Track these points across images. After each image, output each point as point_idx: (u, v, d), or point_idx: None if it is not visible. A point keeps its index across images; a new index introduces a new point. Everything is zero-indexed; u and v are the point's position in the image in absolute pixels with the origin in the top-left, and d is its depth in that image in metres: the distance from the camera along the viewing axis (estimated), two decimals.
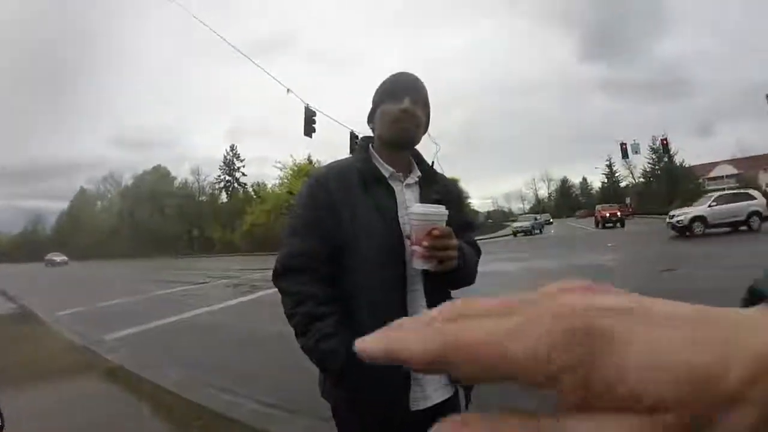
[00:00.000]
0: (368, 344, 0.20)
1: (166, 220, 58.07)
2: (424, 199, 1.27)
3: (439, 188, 1.33)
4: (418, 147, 1.36)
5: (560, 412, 0.17)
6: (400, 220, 1.20)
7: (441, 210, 1.10)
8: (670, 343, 0.16)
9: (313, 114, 14.81)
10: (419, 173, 1.33)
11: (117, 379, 4.42)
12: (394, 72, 1.34)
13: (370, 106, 1.36)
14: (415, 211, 1.10)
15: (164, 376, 4.40)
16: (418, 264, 1.10)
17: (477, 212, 55.56)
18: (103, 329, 6.98)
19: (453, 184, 1.45)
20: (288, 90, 14.71)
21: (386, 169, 1.28)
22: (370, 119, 1.36)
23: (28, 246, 65.82)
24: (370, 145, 1.34)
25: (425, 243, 1.07)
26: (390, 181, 1.27)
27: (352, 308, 1.18)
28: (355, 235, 1.18)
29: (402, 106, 1.24)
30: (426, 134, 1.36)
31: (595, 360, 0.16)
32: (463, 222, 1.36)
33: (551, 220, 44.93)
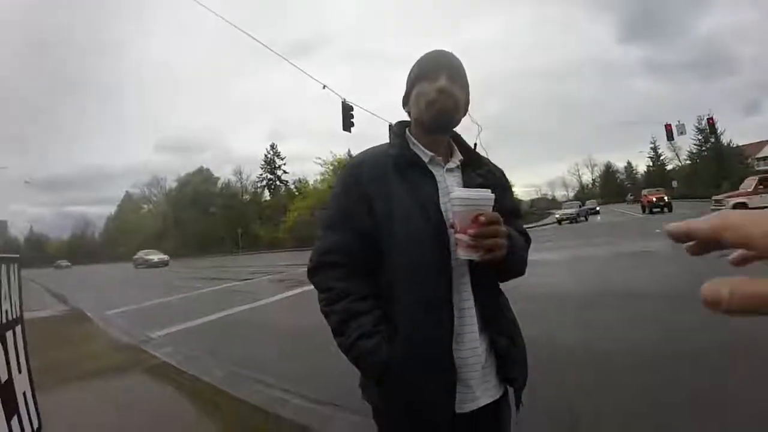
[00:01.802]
0: (672, 227, 0.37)
1: (211, 221, 59.66)
2: (467, 183, 1.16)
3: (483, 172, 1.22)
4: (457, 130, 1.26)
5: None
6: (442, 207, 1.09)
7: (487, 194, 0.99)
8: None
9: (351, 108, 14.88)
10: (461, 157, 1.23)
11: (163, 375, 4.49)
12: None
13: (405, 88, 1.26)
14: (458, 195, 0.99)
15: (210, 373, 4.46)
16: (463, 254, 0.99)
17: (520, 200, 54.48)
18: (150, 327, 7.15)
19: (498, 168, 1.33)
20: (324, 86, 14.82)
21: (425, 154, 1.18)
22: (405, 102, 1.26)
23: (77, 250, 69.07)
24: (407, 130, 1.25)
25: (471, 231, 0.96)
26: (429, 167, 1.16)
27: (392, 304, 1.09)
28: (393, 225, 1.09)
29: (438, 85, 1.14)
30: (466, 115, 1.26)
31: None
32: (510, 208, 1.24)
33: (597, 208, 43.28)
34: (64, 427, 3.19)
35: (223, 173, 73.93)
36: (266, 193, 64.80)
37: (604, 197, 67.75)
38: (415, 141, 1.21)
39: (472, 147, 1.26)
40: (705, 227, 0.35)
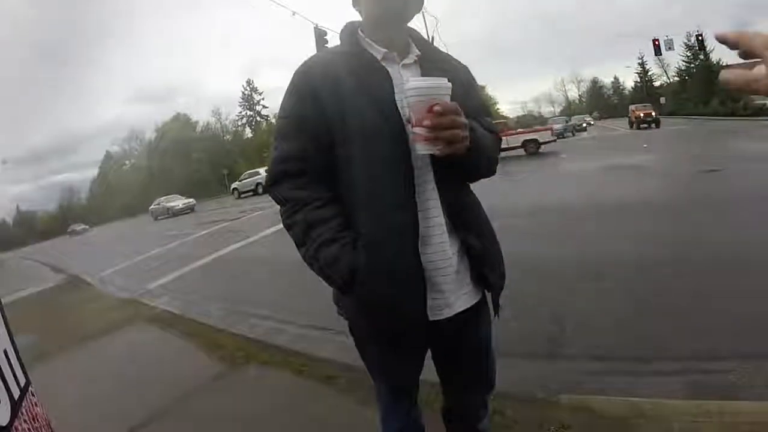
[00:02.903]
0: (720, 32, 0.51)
1: (195, 165, 58.77)
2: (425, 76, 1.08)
3: (444, 65, 1.13)
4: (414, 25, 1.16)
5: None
6: (398, 104, 1.02)
7: (442, 81, 0.91)
8: None
9: (324, 33, 14.21)
10: (418, 52, 1.13)
11: (163, 323, 4.59)
12: None
13: None
14: (411, 86, 0.91)
15: (207, 314, 4.55)
16: (421, 148, 0.92)
17: (507, 118, 53.94)
18: (147, 279, 7.20)
19: (460, 63, 1.23)
20: (293, 12, 14.14)
21: (378, 51, 1.09)
22: (356, 1, 1.16)
23: (68, 219, 68.35)
24: (359, 30, 1.15)
25: (426, 122, 0.89)
26: (383, 63, 1.08)
27: (353, 209, 1.04)
28: (349, 127, 1.02)
29: None
30: (420, 10, 1.15)
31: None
32: (476, 106, 1.16)
33: (592, 123, 42.47)
34: (74, 384, 3.29)
35: (201, 116, 71.66)
36: (247, 130, 63.65)
37: (591, 112, 66.97)
38: (368, 39, 1.11)
39: (430, 40, 1.17)
40: (732, 35, 0.51)
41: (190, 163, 59.66)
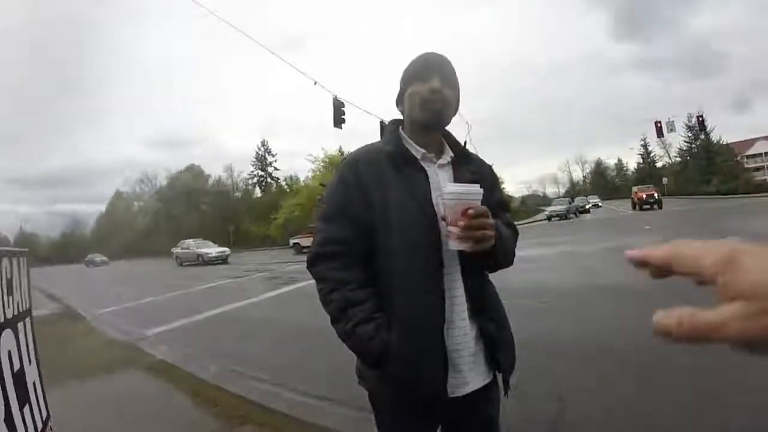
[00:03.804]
0: (631, 253, 0.41)
1: (202, 217, 59.39)
2: (457, 179, 1.23)
3: (473, 168, 1.30)
4: (449, 128, 1.33)
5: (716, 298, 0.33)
6: (434, 201, 1.17)
7: (476, 189, 1.07)
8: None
9: (342, 105, 14.90)
10: (452, 154, 1.30)
11: (159, 373, 4.54)
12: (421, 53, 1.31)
13: (398, 88, 1.33)
14: (449, 190, 1.07)
15: (205, 369, 4.51)
16: (453, 245, 1.07)
17: (511, 197, 54.73)
18: (145, 325, 7.18)
19: (486, 164, 1.41)
20: (315, 82, 14.82)
21: (417, 151, 1.25)
22: (399, 102, 1.33)
23: (68, 248, 68.16)
24: (400, 128, 1.32)
25: (461, 223, 1.04)
26: (422, 163, 1.24)
27: (388, 292, 1.16)
28: (389, 218, 1.16)
29: (431, 86, 1.21)
30: (456, 114, 1.33)
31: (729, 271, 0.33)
32: (499, 202, 1.32)
33: (599, 204, 43.51)
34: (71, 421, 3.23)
35: (214, 170, 73.50)
36: (257, 190, 64.62)
37: (595, 194, 68.21)
38: (408, 139, 1.27)
39: (463, 144, 1.33)
40: (658, 255, 0.38)
41: (198, 214, 60.23)
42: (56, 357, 5.32)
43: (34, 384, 1.32)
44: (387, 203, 1.17)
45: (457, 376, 1.17)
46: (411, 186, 1.18)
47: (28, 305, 1.35)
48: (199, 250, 26.20)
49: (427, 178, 1.21)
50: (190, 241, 28.16)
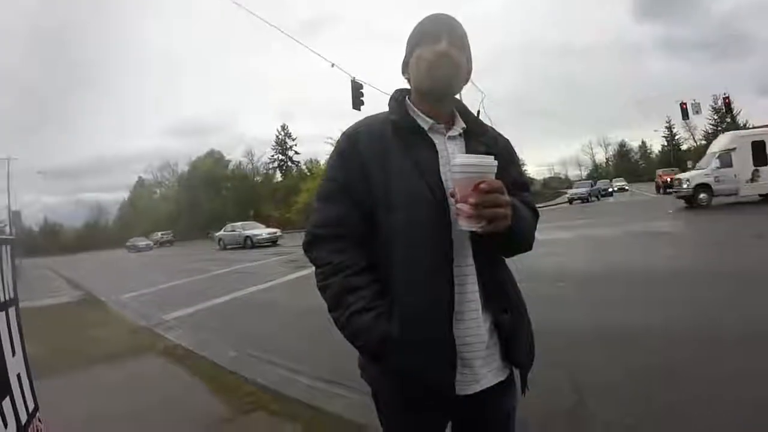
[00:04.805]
0: None
1: (223, 202, 59.99)
2: (470, 151, 1.09)
3: (487, 140, 1.15)
4: (460, 96, 1.19)
5: None
6: (443, 176, 1.03)
7: (489, 160, 0.93)
8: None
9: (360, 87, 14.75)
10: (463, 124, 1.16)
11: (175, 357, 4.54)
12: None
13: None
14: (458, 162, 0.93)
15: (221, 354, 4.50)
16: (464, 225, 0.92)
17: (533, 179, 54.04)
18: (163, 310, 7.23)
19: (503, 137, 1.26)
20: (332, 64, 14.71)
21: (425, 121, 1.11)
22: (405, 69, 1.19)
23: (92, 237, 69.54)
24: (407, 98, 1.19)
25: (471, 200, 0.89)
26: (430, 134, 1.10)
27: (389, 278, 1.03)
28: (392, 196, 1.03)
29: (439, 48, 1.07)
30: (468, 82, 1.19)
31: None
32: (517, 179, 1.18)
33: (626, 187, 42.79)
34: (78, 407, 3.25)
35: (235, 155, 73.45)
36: (278, 174, 64.96)
37: (620, 176, 66.80)
38: (415, 108, 1.14)
39: (476, 114, 1.19)
40: None
41: (219, 199, 60.91)
42: (71, 342, 5.43)
43: (18, 376, 1.24)
44: (389, 179, 1.04)
45: (468, 373, 1.04)
46: (417, 159, 1.05)
47: (11, 295, 1.27)
48: (247, 231, 24.41)
49: (436, 150, 1.07)
50: (237, 224, 26.65)
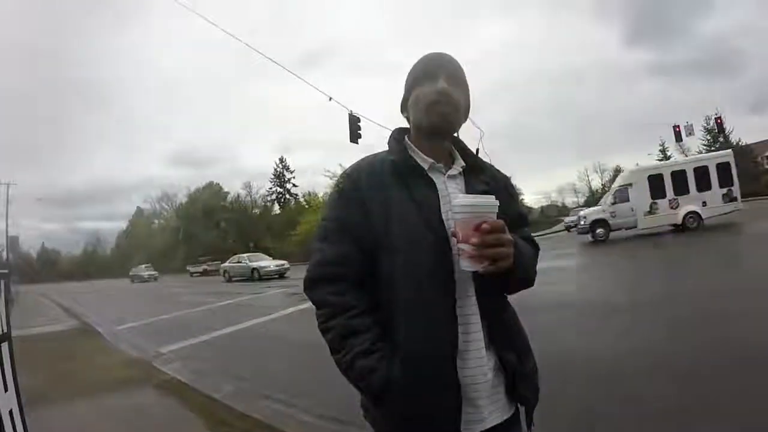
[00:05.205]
0: None
1: (222, 235, 59.84)
2: (470, 190, 1.10)
3: (486, 178, 1.17)
4: (459, 134, 1.21)
5: None
6: (444, 216, 1.04)
7: (490, 200, 0.94)
8: None
9: (358, 120, 14.86)
10: (463, 163, 1.17)
11: (171, 391, 4.45)
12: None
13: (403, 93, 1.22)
14: (460, 202, 0.94)
15: (218, 388, 4.42)
16: (466, 265, 0.93)
17: (530, 208, 54.08)
18: (160, 342, 7.12)
19: (502, 174, 1.27)
20: (330, 98, 14.86)
21: (425, 160, 1.12)
22: (404, 107, 1.21)
23: (89, 265, 69.22)
24: (406, 136, 1.20)
25: (473, 240, 0.90)
26: (430, 173, 1.11)
27: (392, 320, 1.03)
28: (393, 236, 1.03)
29: (438, 87, 1.09)
30: (467, 120, 1.21)
31: None
32: (516, 215, 1.19)
33: None
34: None
35: (233, 187, 73.61)
36: (276, 206, 64.89)
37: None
38: (415, 147, 1.15)
39: (475, 152, 1.21)
40: None
41: (217, 231, 60.77)
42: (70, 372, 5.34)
43: (10, 412, 1.21)
44: (390, 219, 1.04)
45: (473, 412, 1.02)
46: (418, 200, 1.05)
47: (4, 329, 1.26)
48: (253, 263, 23.43)
49: (436, 190, 1.08)
50: (243, 255, 25.85)
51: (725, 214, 15.59)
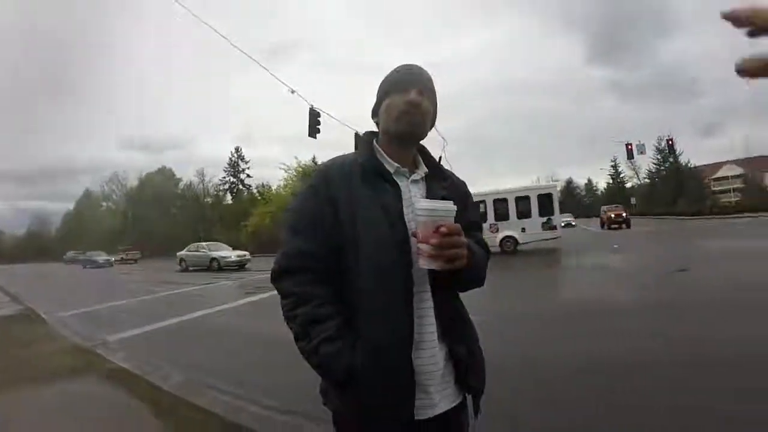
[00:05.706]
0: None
1: (172, 221, 58.10)
2: (430, 195, 1.20)
3: (446, 185, 1.27)
4: (424, 142, 1.30)
5: None
6: (406, 217, 1.13)
7: (449, 205, 1.04)
8: None
9: (318, 115, 14.74)
10: (426, 169, 1.27)
11: (119, 380, 4.36)
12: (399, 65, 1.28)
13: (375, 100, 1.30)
14: (422, 206, 1.03)
15: (166, 378, 4.36)
16: (424, 263, 1.03)
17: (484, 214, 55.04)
18: (107, 330, 6.94)
19: (460, 181, 1.38)
20: (292, 91, 14.69)
21: (391, 165, 1.21)
22: (375, 113, 1.30)
23: (33, 247, 65.73)
24: (375, 140, 1.28)
25: (433, 241, 1.00)
26: (395, 177, 1.20)
27: (355, 312, 1.11)
28: (358, 232, 1.11)
29: (409, 98, 1.18)
30: (433, 128, 1.30)
31: None
32: (471, 220, 1.30)
33: (573, 222, 43.41)
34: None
35: (187, 174, 71.72)
36: (228, 196, 63.47)
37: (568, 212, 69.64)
38: (382, 152, 1.24)
39: (438, 160, 1.30)
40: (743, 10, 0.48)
41: (167, 218, 58.89)
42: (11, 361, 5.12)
43: None
44: (356, 217, 1.12)
45: (424, 398, 1.12)
46: (382, 201, 1.14)
47: None
48: (213, 252, 22.56)
49: (400, 193, 1.17)
50: (202, 243, 24.79)
51: (544, 240, 17.73)
